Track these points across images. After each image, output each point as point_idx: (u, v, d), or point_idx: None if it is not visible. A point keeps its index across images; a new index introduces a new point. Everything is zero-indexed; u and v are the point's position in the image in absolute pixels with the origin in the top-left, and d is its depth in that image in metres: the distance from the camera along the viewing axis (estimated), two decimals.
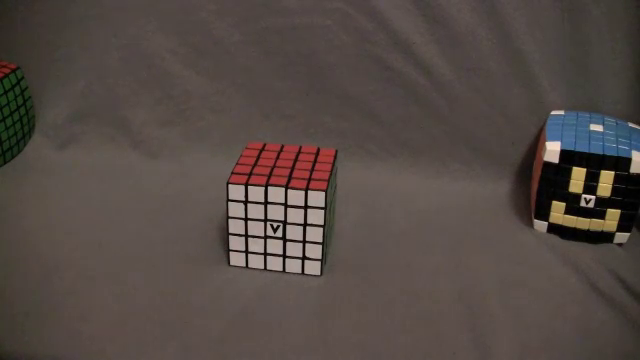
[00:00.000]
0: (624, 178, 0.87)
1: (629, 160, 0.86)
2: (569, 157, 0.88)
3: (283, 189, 0.79)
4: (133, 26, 1.08)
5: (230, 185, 0.81)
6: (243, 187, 0.80)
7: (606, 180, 0.87)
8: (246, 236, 0.83)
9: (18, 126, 1.10)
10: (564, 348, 0.73)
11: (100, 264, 0.85)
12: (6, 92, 1.06)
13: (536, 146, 1.01)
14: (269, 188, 0.80)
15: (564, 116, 0.97)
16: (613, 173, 0.87)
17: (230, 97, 1.10)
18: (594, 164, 0.87)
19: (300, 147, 0.89)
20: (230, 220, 0.83)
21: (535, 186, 0.93)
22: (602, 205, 0.89)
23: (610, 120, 0.96)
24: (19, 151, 1.12)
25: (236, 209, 0.82)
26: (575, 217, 0.91)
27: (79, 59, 1.12)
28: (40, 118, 1.16)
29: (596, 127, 0.93)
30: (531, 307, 0.79)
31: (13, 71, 1.08)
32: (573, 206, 0.90)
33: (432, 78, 1.02)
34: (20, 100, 1.10)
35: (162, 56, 1.09)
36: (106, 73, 1.11)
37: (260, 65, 1.07)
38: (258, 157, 0.86)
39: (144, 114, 1.12)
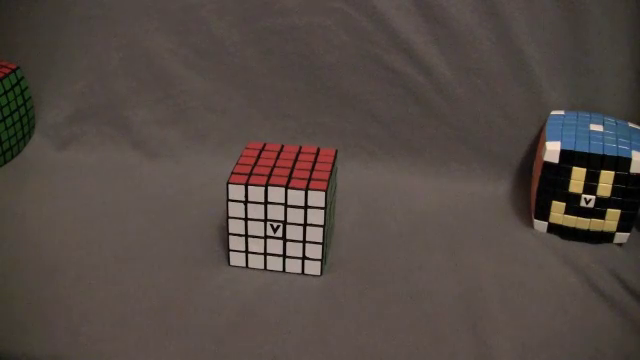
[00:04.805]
0: (624, 178, 0.87)
1: (629, 160, 0.86)
2: (569, 157, 0.88)
3: (283, 189, 0.79)
4: (133, 26, 1.08)
5: (230, 185, 0.81)
6: (243, 187, 0.80)
7: (606, 180, 0.87)
8: (246, 236, 0.83)
9: (18, 126, 1.10)
10: (564, 348, 0.73)
11: (100, 264, 0.85)
12: (6, 92, 1.06)
13: (536, 146, 1.01)
14: (269, 188, 0.80)
15: (564, 116, 0.97)
16: (613, 173, 0.87)
17: (230, 97, 1.10)
18: (594, 164, 0.87)
19: (300, 147, 0.89)
20: (230, 220, 0.83)
21: (535, 186, 0.93)
22: (602, 205, 0.89)
23: (610, 120, 0.96)
24: (19, 151, 1.12)
25: (236, 209, 0.82)
26: (575, 217, 0.91)
27: (79, 59, 1.12)
28: (40, 118, 1.16)
29: (596, 127, 0.93)
30: (531, 307, 0.79)
31: (13, 71, 1.08)
32: (573, 206, 0.90)
33: (432, 78, 1.02)
34: (20, 100, 1.10)
35: (162, 56, 1.09)
36: (106, 73, 1.11)
37: (260, 65, 1.07)
38: (258, 157, 0.86)
39: (144, 114, 1.12)
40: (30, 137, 1.15)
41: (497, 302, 0.80)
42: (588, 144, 0.88)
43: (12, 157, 1.11)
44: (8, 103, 1.07)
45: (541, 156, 0.91)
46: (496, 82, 1.01)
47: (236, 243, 0.84)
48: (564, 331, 0.76)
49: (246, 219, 0.82)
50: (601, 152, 0.87)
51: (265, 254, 0.84)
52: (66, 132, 1.14)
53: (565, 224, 0.92)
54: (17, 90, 1.09)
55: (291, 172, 0.82)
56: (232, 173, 0.82)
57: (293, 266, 0.84)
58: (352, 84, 1.05)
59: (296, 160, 0.85)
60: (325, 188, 0.79)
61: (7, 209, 0.97)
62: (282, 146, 0.89)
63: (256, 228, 0.82)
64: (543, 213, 0.93)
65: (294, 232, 0.82)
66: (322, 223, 0.80)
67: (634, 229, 0.92)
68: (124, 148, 1.12)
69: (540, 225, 0.94)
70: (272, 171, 0.82)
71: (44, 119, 1.15)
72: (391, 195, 1.03)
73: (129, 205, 0.99)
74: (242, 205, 0.81)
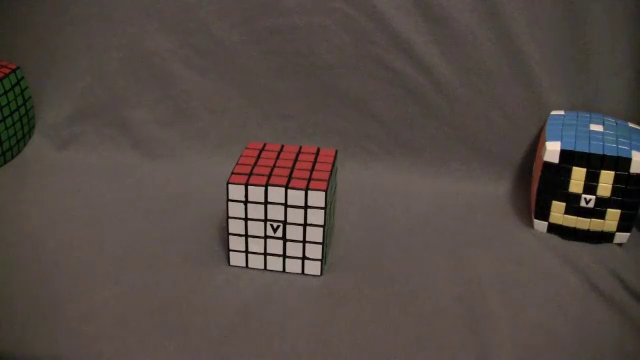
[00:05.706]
0: (624, 178, 0.87)
1: (629, 160, 0.86)
2: (569, 157, 0.88)
3: (283, 189, 0.79)
4: (133, 26, 1.08)
5: (230, 185, 0.81)
6: (243, 187, 0.80)
7: (606, 180, 0.87)
8: (246, 236, 0.83)
9: (18, 126, 1.10)
10: (564, 348, 0.73)
11: (100, 264, 0.85)
12: (6, 92, 1.06)
13: (536, 146, 1.01)
14: (269, 188, 0.80)
15: (564, 116, 0.97)
16: (613, 173, 0.87)
17: (230, 97, 1.10)
18: (594, 164, 0.87)
19: (300, 147, 0.89)
20: (230, 220, 0.83)
21: (535, 186, 0.93)
22: (602, 205, 0.89)
23: (610, 120, 0.96)
24: (19, 151, 1.12)
25: (236, 209, 0.82)
26: (575, 217, 0.91)
27: (79, 59, 1.12)
28: (40, 118, 1.16)
29: (596, 127, 0.93)
30: (531, 307, 0.79)
31: (13, 71, 1.08)
32: (573, 206, 0.90)
33: (432, 78, 1.02)
34: (20, 100, 1.10)
35: (162, 56, 1.09)
36: (106, 73, 1.11)
37: (260, 65, 1.07)
38: (258, 157, 0.86)
39: (144, 114, 1.12)
40: (30, 137, 1.15)
41: (497, 302, 0.80)
42: (588, 144, 0.88)
43: (12, 157, 1.11)
44: (8, 103, 1.07)
45: (541, 156, 0.91)
46: (496, 82, 1.01)
47: (236, 243, 0.84)
48: (564, 331, 0.76)
49: (246, 219, 0.82)
50: (601, 152, 0.87)
51: (265, 254, 0.84)
52: (66, 132, 1.14)
53: (565, 224, 0.92)
54: (17, 90, 1.09)
55: (291, 172, 0.82)
56: (232, 173, 0.82)
57: (293, 266, 0.84)
58: (352, 84, 1.05)
59: (296, 160, 0.85)
60: (325, 188, 0.79)
61: (7, 209, 0.97)
62: (282, 146, 0.89)
63: (256, 228, 0.82)
64: (543, 213, 0.93)
65: (294, 232, 0.82)
66: (322, 223, 0.80)
67: (634, 229, 0.92)
68: (124, 148, 1.12)
69: (540, 225, 0.94)
70: (272, 171, 0.82)
71: (44, 119, 1.15)
72: (391, 195, 1.03)
73: (129, 205, 0.99)
74: (242, 205, 0.81)
